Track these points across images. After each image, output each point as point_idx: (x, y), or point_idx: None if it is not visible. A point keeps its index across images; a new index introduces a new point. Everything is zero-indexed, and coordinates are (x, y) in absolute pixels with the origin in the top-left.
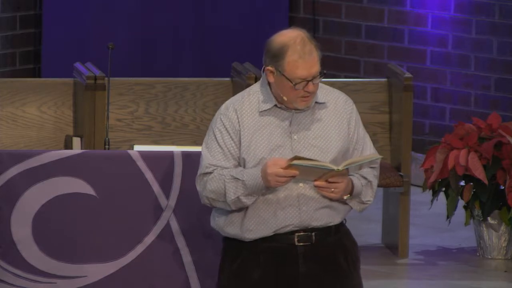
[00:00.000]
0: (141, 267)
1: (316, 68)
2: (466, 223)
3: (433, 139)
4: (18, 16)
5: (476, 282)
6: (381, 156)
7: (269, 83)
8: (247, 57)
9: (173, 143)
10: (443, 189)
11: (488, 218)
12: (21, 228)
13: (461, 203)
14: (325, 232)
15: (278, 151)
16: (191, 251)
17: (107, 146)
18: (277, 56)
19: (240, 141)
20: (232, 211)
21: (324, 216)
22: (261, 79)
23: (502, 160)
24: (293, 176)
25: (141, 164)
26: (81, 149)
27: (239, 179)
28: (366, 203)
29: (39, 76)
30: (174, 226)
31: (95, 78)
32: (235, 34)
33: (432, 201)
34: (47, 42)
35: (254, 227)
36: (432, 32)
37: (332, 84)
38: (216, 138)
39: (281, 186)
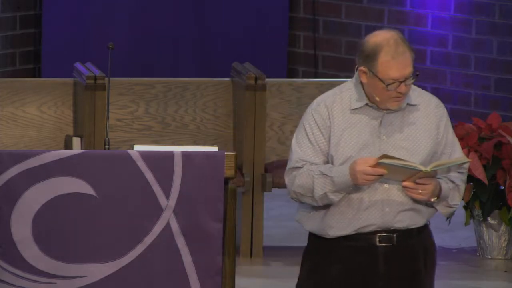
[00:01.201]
0: (141, 267)
1: (409, 69)
2: (466, 223)
3: None
4: (18, 16)
5: (476, 282)
6: (469, 160)
7: (361, 83)
8: (247, 57)
9: (173, 143)
10: None
11: (488, 218)
12: (21, 228)
13: (461, 203)
14: (407, 234)
15: (366, 150)
16: (191, 251)
17: (107, 146)
18: (370, 57)
19: (330, 137)
20: (315, 207)
21: (407, 218)
22: (354, 77)
23: (502, 160)
24: (381, 175)
25: (141, 164)
26: (81, 149)
27: (328, 175)
28: (453, 207)
29: (39, 76)
30: (174, 226)
31: (95, 78)
32: (235, 34)
33: None
34: (47, 42)
35: (335, 224)
36: (432, 32)
37: (332, 84)
38: (306, 133)
39: (366, 186)
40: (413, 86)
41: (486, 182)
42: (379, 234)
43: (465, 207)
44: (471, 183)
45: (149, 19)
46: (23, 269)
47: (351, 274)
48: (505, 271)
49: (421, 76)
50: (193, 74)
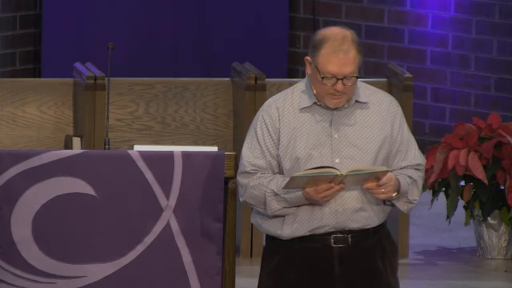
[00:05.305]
0: (141, 267)
1: (349, 68)
2: (466, 223)
3: (433, 139)
4: (18, 16)
5: (476, 282)
6: (389, 169)
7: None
8: (247, 57)
9: (173, 143)
10: (443, 189)
11: (488, 218)
12: (21, 228)
13: (461, 203)
14: (362, 234)
15: (317, 150)
16: (191, 251)
17: (107, 146)
18: (315, 47)
19: (279, 139)
20: None
21: (361, 218)
22: (306, 77)
23: (502, 160)
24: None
25: (141, 164)
26: (81, 149)
27: (280, 195)
28: (413, 202)
29: (39, 76)
30: (174, 226)
31: (95, 78)
32: (235, 34)
33: (432, 201)
34: (47, 42)
35: (291, 226)
36: (432, 32)
37: None
38: (256, 135)
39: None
40: (366, 85)
41: (486, 182)
42: (334, 235)
43: (465, 207)
44: (471, 183)
45: (149, 19)
46: (23, 269)
47: (308, 276)
48: (505, 271)
49: (421, 76)
50: (193, 74)
